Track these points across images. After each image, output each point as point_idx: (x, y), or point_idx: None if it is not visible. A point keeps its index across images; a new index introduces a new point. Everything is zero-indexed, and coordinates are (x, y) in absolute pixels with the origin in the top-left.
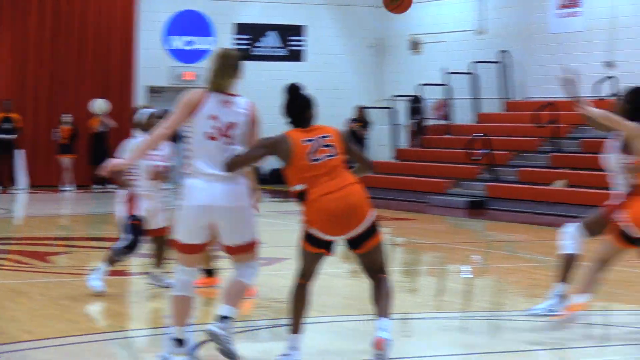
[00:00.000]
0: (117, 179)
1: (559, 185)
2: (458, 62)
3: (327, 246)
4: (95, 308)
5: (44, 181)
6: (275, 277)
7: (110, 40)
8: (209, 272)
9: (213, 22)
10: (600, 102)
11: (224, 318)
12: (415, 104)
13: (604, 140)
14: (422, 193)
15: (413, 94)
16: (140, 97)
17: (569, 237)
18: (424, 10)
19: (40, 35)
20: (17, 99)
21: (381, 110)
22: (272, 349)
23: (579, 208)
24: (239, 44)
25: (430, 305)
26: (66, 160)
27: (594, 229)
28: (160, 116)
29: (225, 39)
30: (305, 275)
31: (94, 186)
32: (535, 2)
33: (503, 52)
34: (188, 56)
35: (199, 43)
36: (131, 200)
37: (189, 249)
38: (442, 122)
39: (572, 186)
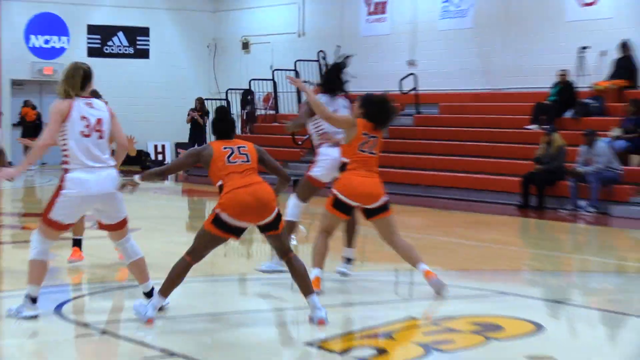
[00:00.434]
0: None
1: None
2: (283, 60)
3: (235, 232)
4: None
5: None
6: None
7: None
8: (78, 243)
9: (68, 24)
10: (403, 96)
11: (149, 293)
12: (247, 96)
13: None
14: None
15: (245, 87)
16: (4, 89)
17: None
18: (253, 14)
19: None
20: None
21: (217, 101)
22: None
23: (387, 185)
24: (91, 43)
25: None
26: None
27: (305, 196)
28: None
29: (79, 38)
30: (196, 256)
31: None
32: (348, 9)
33: (320, 52)
34: (46, 53)
35: (56, 42)
36: None
37: (64, 227)
38: (270, 112)
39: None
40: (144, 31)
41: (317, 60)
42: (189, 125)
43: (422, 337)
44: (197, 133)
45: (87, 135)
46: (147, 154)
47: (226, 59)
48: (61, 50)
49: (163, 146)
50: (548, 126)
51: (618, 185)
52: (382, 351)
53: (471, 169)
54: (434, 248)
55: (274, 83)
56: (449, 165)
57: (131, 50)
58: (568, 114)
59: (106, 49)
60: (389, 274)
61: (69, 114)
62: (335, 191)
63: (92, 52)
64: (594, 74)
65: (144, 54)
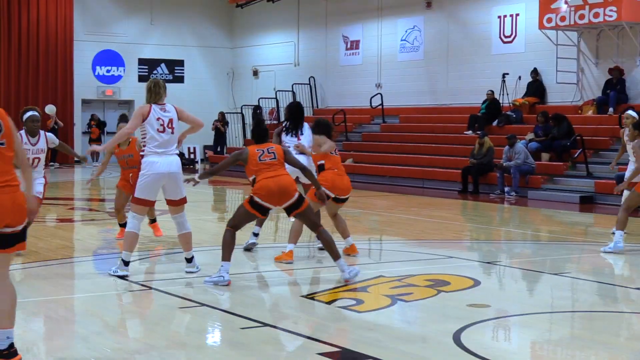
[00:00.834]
0: None
1: (349, 161)
2: (283, 84)
3: (263, 212)
4: None
5: None
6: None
7: (57, 68)
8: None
9: (124, 57)
10: (373, 109)
11: (190, 259)
12: (256, 110)
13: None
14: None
15: (255, 103)
16: (76, 106)
17: None
18: (261, 50)
19: (7, 64)
20: None
21: (235, 114)
22: (170, 268)
23: (361, 176)
24: (141, 72)
25: (269, 239)
26: None
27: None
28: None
29: (132, 68)
30: (236, 226)
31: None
32: (331, 46)
33: (311, 77)
34: (108, 79)
35: (115, 71)
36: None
37: (149, 204)
38: (274, 122)
39: (356, 162)
40: (180, 63)
41: (308, 84)
42: (213, 132)
43: (389, 291)
44: (219, 138)
45: (161, 132)
46: (182, 154)
47: (241, 82)
48: (119, 77)
49: (194, 148)
50: (480, 132)
51: (533, 176)
52: (359, 301)
53: (424, 163)
54: (397, 223)
55: (277, 100)
56: (407, 161)
57: (171, 77)
58: (495, 123)
59: (152, 76)
60: (363, 243)
61: (148, 115)
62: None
63: (142, 79)
64: (513, 93)
65: (180, 79)
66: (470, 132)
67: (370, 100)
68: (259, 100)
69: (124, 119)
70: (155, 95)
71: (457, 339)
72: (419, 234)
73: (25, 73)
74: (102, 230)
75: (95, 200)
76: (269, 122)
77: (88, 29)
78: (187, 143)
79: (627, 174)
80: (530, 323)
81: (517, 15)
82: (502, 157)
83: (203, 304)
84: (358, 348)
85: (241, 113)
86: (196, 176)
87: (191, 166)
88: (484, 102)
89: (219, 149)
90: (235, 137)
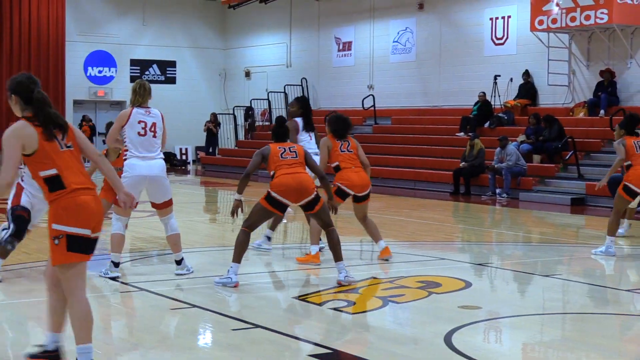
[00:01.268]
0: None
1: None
2: (275, 85)
3: (281, 209)
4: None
5: None
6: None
7: (49, 68)
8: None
9: (116, 58)
10: (365, 111)
11: (179, 262)
12: (249, 112)
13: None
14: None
15: (247, 104)
16: (68, 107)
17: None
18: (253, 51)
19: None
20: None
21: (227, 115)
22: (162, 269)
23: None
24: (133, 73)
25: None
26: None
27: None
28: None
29: (124, 69)
30: (252, 226)
31: None
32: (323, 47)
33: (303, 78)
34: (100, 80)
35: (107, 72)
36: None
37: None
38: (266, 123)
39: None
40: (172, 64)
41: (300, 85)
42: (205, 133)
43: (381, 292)
44: (211, 139)
45: (142, 135)
46: (174, 155)
47: (233, 83)
48: (111, 78)
49: (186, 149)
50: (472, 133)
51: (524, 178)
52: (350, 303)
53: (416, 165)
54: (389, 224)
55: (269, 102)
56: (400, 163)
57: (163, 78)
58: (486, 125)
59: (144, 77)
60: (355, 244)
61: (128, 119)
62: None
63: (133, 80)
64: (504, 95)
65: (172, 80)
66: (462, 133)
67: (363, 101)
68: (251, 102)
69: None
70: (140, 97)
71: (448, 340)
72: (410, 236)
73: (16, 73)
74: None
75: None
76: (260, 123)
77: (80, 30)
78: (179, 144)
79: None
80: (521, 325)
81: (509, 17)
82: (494, 158)
83: (194, 305)
84: (349, 350)
85: (233, 114)
86: (236, 196)
87: (183, 167)
88: (476, 103)
89: (210, 150)
90: (227, 138)
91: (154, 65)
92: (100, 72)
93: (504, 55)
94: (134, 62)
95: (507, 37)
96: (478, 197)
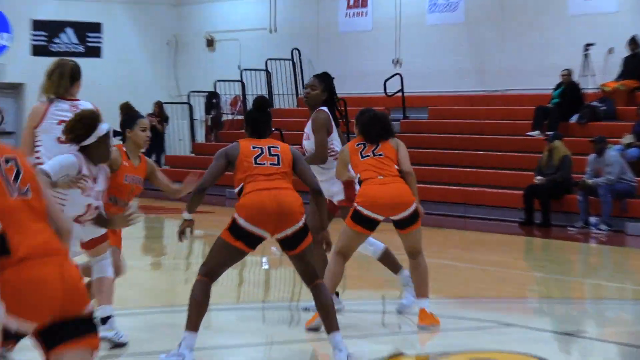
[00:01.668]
0: None
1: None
2: (252, 59)
3: (249, 241)
4: None
5: None
6: None
7: None
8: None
9: (9, 18)
10: (388, 99)
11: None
12: (212, 100)
13: None
14: (220, 186)
15: (209, 89)
16: None
17: None
18: (219, 8)
19: None
20: None
21: (179, 105)
22: None
23: None
24: (36, 41)
25: (231, 296)
26: None
27: None
28: None
29: (21, 35)
30: (211, 273)
31: None
32: (324, 2)
33: (294, 50)
34: None
35: None
36: None
37: None
38: (238, 117)
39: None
40: (96, 27)
41: (291, 60)
42: None
43: None
44: (155, 141)
45: (63, 141)
46: None
47: (188, 57)
48: (1, 48)
49: None
50: (551, 133)
51: (633, 200)
52: None
53: (466, 181)
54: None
55: (242, 85)
56: (440, 177)
57: (81, 48)
58: (573, 119)
59: (53, 47)
60: (374, 303)
61: (43, 118)
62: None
63: (37, 51)
64: (601, 74)
65: (95, 52)
66: (536, 132)
67: (385, 84)
68: (215, 85)
69: None
70: (58, 85)
71: None
72: (460, 289)
73: None
74: None
75: None
76: (229, 117)
77: None
78: None
79: None
80: None
81: None
82: (586, 170)
83: None
84: None
85: (188, 104)
86: (185, 215)
87: None
88: (557, 87)
89: (153, 158)
90: (178, 139)
91: (68, 29)
92: None
93: (599, 14)
94: (37, 25)
95: None
96: (562, 230)
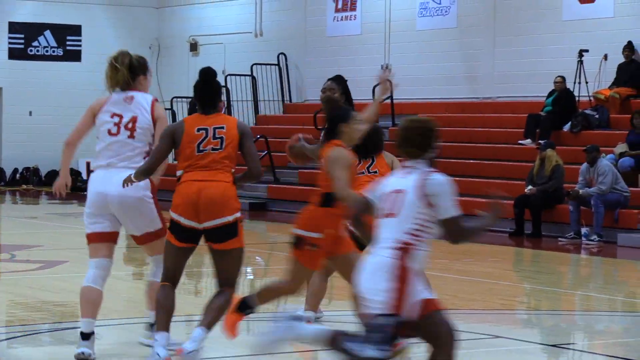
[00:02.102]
0: None
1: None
2: (237, 64)
3: (186, 236)
4: None
5: None
6: (54, 280)
7: None
8: None
9: None
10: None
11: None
12: (195, 106)
13: None
14: None
15: (192, 95)
16: None
17: None
18: (203, 11)
19: None
20: None
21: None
22: (56, 352)
23: None
24: (13, 44)
25: None
26: None
27: None
28: None
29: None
30: (169, 273)
31: None
32: (312, 6)
33: (281, 54)
34: None
35: None
36: None
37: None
38: None
39: None
40: (76, 30)
41: (277, 65)
42: None
43: None
44: None
45: (113, 134)
46: (79, 173)
47: (171, 62)
48: None
49: (88, 163)
50: (543, 141)
51: (625, 210)
52: None
53: (458, 190)
54: None
55: (227, 90)
56: None
57: (60, 52)
58: (566, 127)
59: (31, 50)
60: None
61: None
62: None
63: (14, 54)
64: (595, 81)
65: (75, 56)
66: (528, 141)
67: (374, 90)
68: None
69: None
70: (112, 78)
71: None
72: (449, 300)
73: None
74: None
75: None
76: None
77: None
78: (86, 156)
79: None
80: None
81: None
82: (578, 180)
83: None
84: None
85: (171, 109)
86: (132, 175)
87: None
88: (550, 94)
89: None
90: None
91: (47, 32)
92: None
93: (594, 19)
94: (14, 28)
95: None
96: (554, 241)
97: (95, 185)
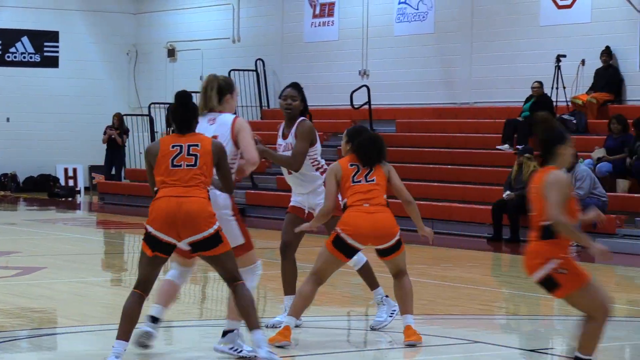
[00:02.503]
0: None
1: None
2: (215, 70)
3: (162, 248)
4: None
5: None
6: (32, 286)
7: None
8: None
9: None
10: (355, 111)
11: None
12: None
13: None
14: None
15: (171, 101)
16: None
17: None
18: (181, 17)
19: None
20: None
21: (139, 117)
22: (34, 359)
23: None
24: None
25: (193, 312)
26: None
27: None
28: None
29: None
30: (142, 282)
31: None
32: (289, 11)
33: (258, 60)
34: None
35: None
36: None
37: None
38: None
39: None
40: (53, 36)
41: (255, 70)
42: (105, 146)
43: None
44: (115, 154)
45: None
46: (56, 179)
47: (149, 68)
48: None
49: (75, 170)
50: (521, 147)
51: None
52: None
53: (433, 195)
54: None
55: None
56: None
57: (37, 58)
58: None
59: (8, 57)
60: (341, 319)
61: None
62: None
63: None
64: (572, 86)
65: (52, 62)
66: (506, 146)
67: (351, 96)
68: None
69: None
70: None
71: None
72: (427, 306)
73: None
74: None
75: None
76: None
77: None
78: (63, 162)
79: None
80: None
81: None
82: None
83: None
84: None
85: (149, 116)
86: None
87: (69, 198)
88: (528, 99)
89: (113, 172)
90: (139, 152)
91: (24, 38)
92: None
93: (571, 25)
94: None
95: None
96: None
97: None
